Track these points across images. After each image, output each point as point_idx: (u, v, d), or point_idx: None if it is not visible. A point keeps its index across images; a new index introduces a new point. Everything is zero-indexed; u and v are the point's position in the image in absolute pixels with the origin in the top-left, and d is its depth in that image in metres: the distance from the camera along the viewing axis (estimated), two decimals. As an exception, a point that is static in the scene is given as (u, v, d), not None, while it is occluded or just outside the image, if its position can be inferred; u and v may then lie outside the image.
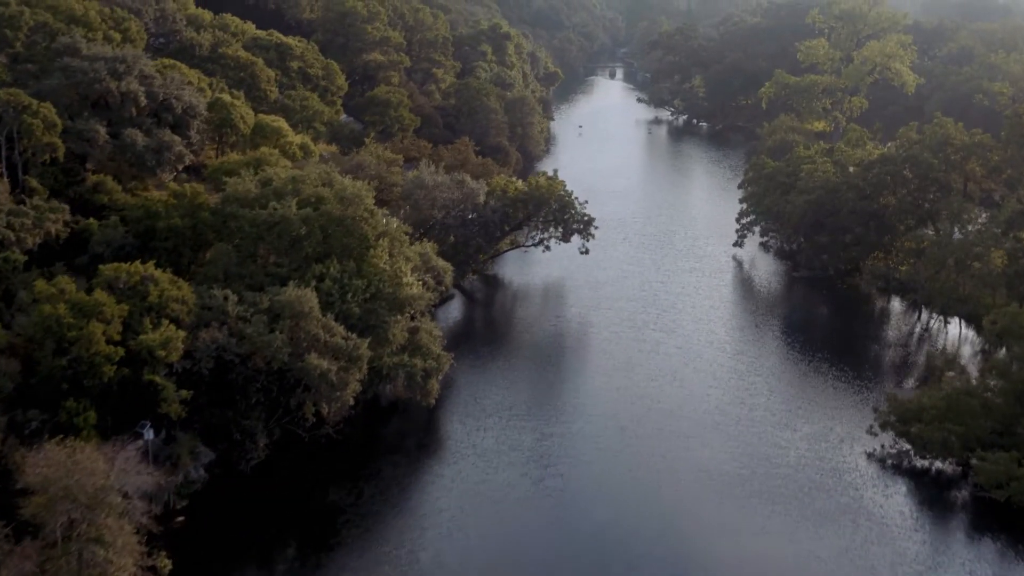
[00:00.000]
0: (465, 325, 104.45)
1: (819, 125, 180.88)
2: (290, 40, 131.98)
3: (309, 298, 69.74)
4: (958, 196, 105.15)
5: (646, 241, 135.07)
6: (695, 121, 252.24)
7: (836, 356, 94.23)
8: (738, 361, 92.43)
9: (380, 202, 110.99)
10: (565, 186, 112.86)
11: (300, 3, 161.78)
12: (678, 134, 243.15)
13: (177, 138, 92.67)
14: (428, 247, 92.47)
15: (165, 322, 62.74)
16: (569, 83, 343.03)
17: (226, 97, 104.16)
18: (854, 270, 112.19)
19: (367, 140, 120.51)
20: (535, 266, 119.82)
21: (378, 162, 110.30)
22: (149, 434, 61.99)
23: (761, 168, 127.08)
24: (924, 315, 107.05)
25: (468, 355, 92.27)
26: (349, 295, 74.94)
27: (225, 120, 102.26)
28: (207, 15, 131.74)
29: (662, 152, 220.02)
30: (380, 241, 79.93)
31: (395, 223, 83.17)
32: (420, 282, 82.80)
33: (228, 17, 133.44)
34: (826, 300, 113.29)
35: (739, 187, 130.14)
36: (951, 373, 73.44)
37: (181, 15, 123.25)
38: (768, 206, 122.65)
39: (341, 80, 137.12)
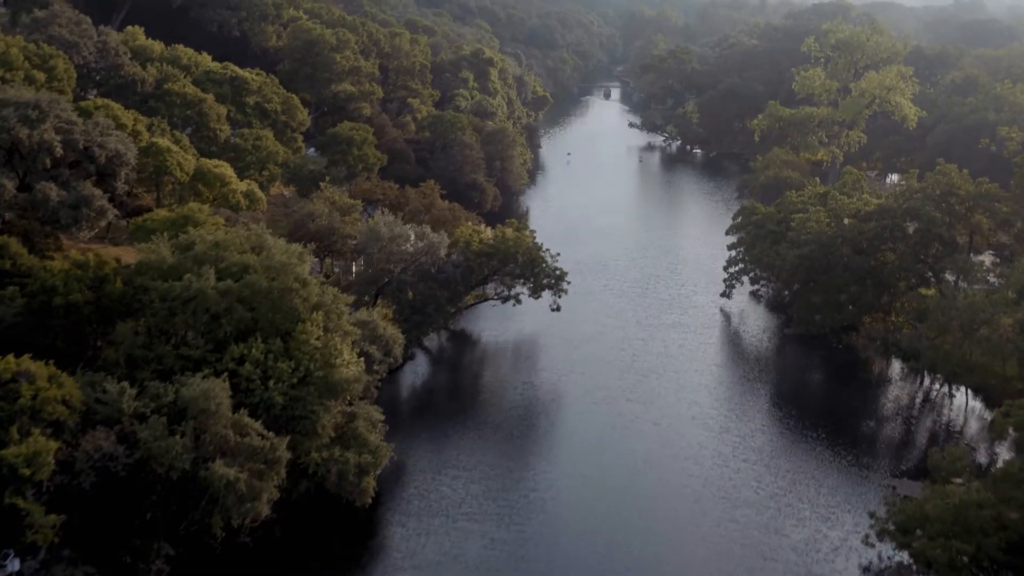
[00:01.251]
0: (422, 395, 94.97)
1: (819, 154, 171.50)
2: (246, 73, 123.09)
3: (217, 393, 60.41)
4: (963, 253, 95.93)
5: (628, 289, 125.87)
6: (689, 148, 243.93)
7: (830, 435, 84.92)
8: (722, 442, 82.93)
9: (333, 254, 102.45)
10: (534, 238, 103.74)
11: (265, 31, 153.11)
12: (671, 162, 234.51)
13: (98, 191, 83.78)
14: (376, 313, 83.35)
15: (36, 431, 53.43)
16: (562, 104, 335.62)
17: (163, 141, 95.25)
18: (850, 328, 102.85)
19: (323, 185, 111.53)
20: (507, 320, 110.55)
21: (331, 211, 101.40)
22: (14, 565, 52.67)
23: (750, 214, 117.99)
24: (927, 381, 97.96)
25: (421, 433, 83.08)
26: (272, 381, 65.75)
27: (160, 167, 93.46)
28: (157, 46, 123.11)
29: (653, 183, 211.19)
30: (313, 315, 70.62)
31: (332, 292, 73.82)
32: (360, 360, 73.37)
33: (180, 49, 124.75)
34: (820, 363, 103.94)
35: (727, 233, 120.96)
36: (959, 480, 64.08)
37: (125, 48, 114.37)
38: (757, 256, 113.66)
39: (303, 115, 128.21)
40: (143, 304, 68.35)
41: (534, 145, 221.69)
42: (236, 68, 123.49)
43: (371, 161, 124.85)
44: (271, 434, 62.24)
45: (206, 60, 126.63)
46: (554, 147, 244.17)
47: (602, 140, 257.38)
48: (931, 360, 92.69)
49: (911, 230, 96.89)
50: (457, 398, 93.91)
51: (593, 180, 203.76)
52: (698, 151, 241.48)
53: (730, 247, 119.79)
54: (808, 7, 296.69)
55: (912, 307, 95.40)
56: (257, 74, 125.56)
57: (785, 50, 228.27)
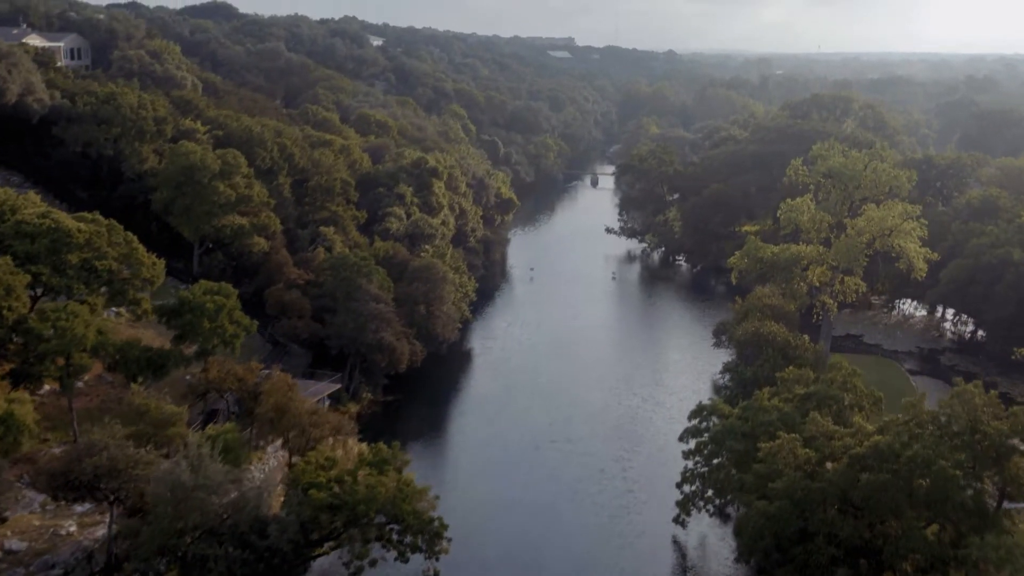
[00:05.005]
0: None
1: (816, 272, 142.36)
2: (73, 223, 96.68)
3: None
4: (994, 525, 67.67)
5: (558, 503, 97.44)
6: (672, 258, 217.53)
7: None
8: None
9: (119, 503, 75.06)
10: (403, 481, 75.54)
11: (140, 151, 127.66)
12: (650, 278, 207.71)
13: None
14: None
15: None
16: (544, 195, 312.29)
17: None
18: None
19: (135, 387, 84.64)
20: (381, 566, 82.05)
21: (122, 443, 73.99)
22: None
23: (711, 415, 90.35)
24: None
25: None
26: None
27: None
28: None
29: (624, 309, 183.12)
30: None
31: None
32: None
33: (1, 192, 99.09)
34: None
35: (680, 438, 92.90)
36: None
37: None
38: (717, 476, 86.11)
39: (152, 270, 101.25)
40: None
41: (491, 260, 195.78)
42: (60, 215, 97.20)
43: (229, 334, 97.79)
44: None
45: (31, 202, 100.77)
46: (522, 253, 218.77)
47: (577, 245, 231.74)
48: None
49: (920, 486, 68.85)
50: None
51: (555, 304, 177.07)
52: (682, 263, 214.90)
53: (686, 456, 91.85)
54: (808, 97, 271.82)
55: (924, 603, 67.04)
56: (88, 224, 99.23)
57: (776, 151, 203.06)
